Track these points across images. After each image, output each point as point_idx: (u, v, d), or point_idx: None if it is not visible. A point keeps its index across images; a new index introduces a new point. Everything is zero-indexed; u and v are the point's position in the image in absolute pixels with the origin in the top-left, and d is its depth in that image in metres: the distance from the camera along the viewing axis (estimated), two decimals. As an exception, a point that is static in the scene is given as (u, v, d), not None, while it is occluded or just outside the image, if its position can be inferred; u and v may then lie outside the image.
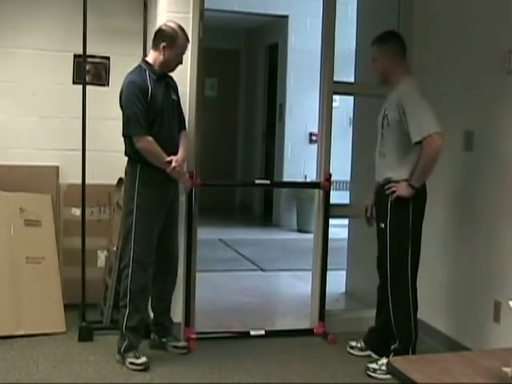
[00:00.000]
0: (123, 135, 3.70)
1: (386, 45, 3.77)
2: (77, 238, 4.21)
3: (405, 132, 3.60)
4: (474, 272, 3.96)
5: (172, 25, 3.72)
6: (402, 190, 3.63)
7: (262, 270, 6.25)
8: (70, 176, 4.48)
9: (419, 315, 3.80)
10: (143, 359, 3.69)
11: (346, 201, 5.33)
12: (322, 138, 4.37)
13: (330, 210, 4.31)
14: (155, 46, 3.72)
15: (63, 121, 4.58)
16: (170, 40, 3.67)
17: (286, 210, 8.59)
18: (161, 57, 3.69)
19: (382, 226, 3.76)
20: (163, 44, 3.67)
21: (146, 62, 3.73)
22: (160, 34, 3.71)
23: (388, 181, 3.71)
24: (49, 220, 4.38)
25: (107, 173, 4.44)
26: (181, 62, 3.76)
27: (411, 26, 4.44)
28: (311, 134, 8.28)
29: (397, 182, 3.67)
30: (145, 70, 3.68)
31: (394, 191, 3.66)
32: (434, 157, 3.55)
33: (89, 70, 4.48)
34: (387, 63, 3.74)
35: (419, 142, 3.54)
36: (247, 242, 7.52)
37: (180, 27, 3.72)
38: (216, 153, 9.36)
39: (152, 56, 3.73)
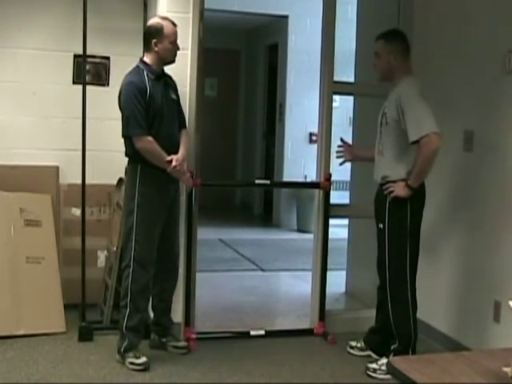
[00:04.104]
0: (123, 136, 3.70)
1: (394, 43, 3.74)
2: (77, 238, 4.21)
3: (403, 131, 3.59)
4: (474, 272, 3.96)
5: (155, 19, 3.75)
6: (400, 190, 3.62)
7: (262, 270, 6.24)
8: (70, 176, 4.48)
9: (419, 315, 3.80)
10: (143, 359, 3.69)
11: (346, 201, 5.33)
12: (322, 138, 4.37)
13: (330, 210, 4.31)
14: (147, 47, 3.73)
15: (63, 121, 4.58)
16: (158, 33, 3.67)
17: (286, 210, 8.59)
18: (156, 54, 3.69)
19: (381, 226, 3.76)
20: (154, 40, 3.67)
21: (144, 63, 3.73)
22: (148, 33, 3.73)
23: (386, 180, 3.71)
24: (49, 220, 4.38)
25: (107, 173, 4.44)
26: (178, 49, 3.75)
27: (411, 26, 4.44)
28: (311, 134, 8.28)
29: (394, 181, 3.66)
30: (143, 71, 3.68)
31: (391, 191, 3.66)
32: (431, 157, 3.54)
33: (89, 70, 4.48)
34: (392, 61, 3.71)
35: (417, 142, 3.54)
36: (247, 242, 7.51)
37: (163, 17, 3.74)
38: (216, 153, 9.36)
39: (148, 57, 3.73)
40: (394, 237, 3.71)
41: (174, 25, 3.72)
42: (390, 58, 3.72)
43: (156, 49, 3.68)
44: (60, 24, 4.55)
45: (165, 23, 3.69)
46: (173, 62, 3.77)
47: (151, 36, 3.68)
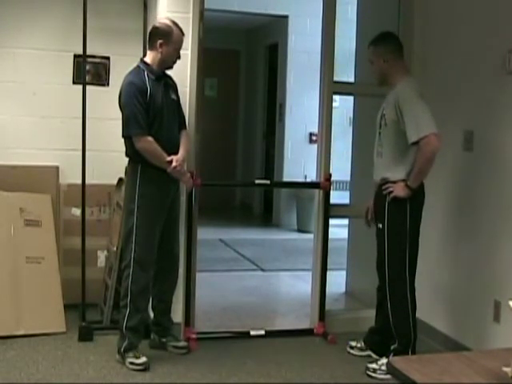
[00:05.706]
0: (123, 136, 3.70)
1: (381, 46, 3.78)
2: (77, 238, 4.21)
3: (402, 132, 3.60)
4: (474, 272, 3.96)
5: (166, 21, 3.73)
6: (399, 190, 3.63)
7: (262, 270, 6.24)
8: (70, 176, 4.48)
9: (419, 315, 3.80)
10: (143, 359, 3.69)
11: (346, 201, 5.33)
12: (322, 138, 4.37)
13: (330, 210, 4.31)
14: (152, 45, 3.72)
15: (63, 121, 4.58)
16: (166, 36, 3.67)
17: (286, 210, 8.59)
18: (159, 55, 3.69)
19: (380, 226, 3.76)
20: (160, 41, 3.67)
21: (144, 63, 3.73)
22: (155, 32, 3.71)
23: (385, 181, 3.72)
24: (49, 220, 4.38)
25: (107, 173, 4.44)
26: (179, 57, 3.76)
27: (411, 26, 4.44)
28: (311, 134, 8.28)
29: (394, 182, 3.67)
30: (143, 71, 3.68)
31: (391, 191, 3.66)
32: (431, 157, 3.55)
33: (89, 70, 4.48)
34: (383, 64, 3.75)
35: (416, 143, 3.54)
36: (247, 242, 7.51)
37: (174, 22, 3.72)
38: (216, 153, 9.36)
39: (150, 56, 3.73)
40: (393, 237, 3.71)
41: (183, 34, 3.73)
42: (380, 62, 3.75)
43: (160, 49, 3.67)
44: (60, 24, 4.55)
45: (175, 29, 3.68)
46: (170, 67, 3.77)
47: (158, 36, 3.68)
